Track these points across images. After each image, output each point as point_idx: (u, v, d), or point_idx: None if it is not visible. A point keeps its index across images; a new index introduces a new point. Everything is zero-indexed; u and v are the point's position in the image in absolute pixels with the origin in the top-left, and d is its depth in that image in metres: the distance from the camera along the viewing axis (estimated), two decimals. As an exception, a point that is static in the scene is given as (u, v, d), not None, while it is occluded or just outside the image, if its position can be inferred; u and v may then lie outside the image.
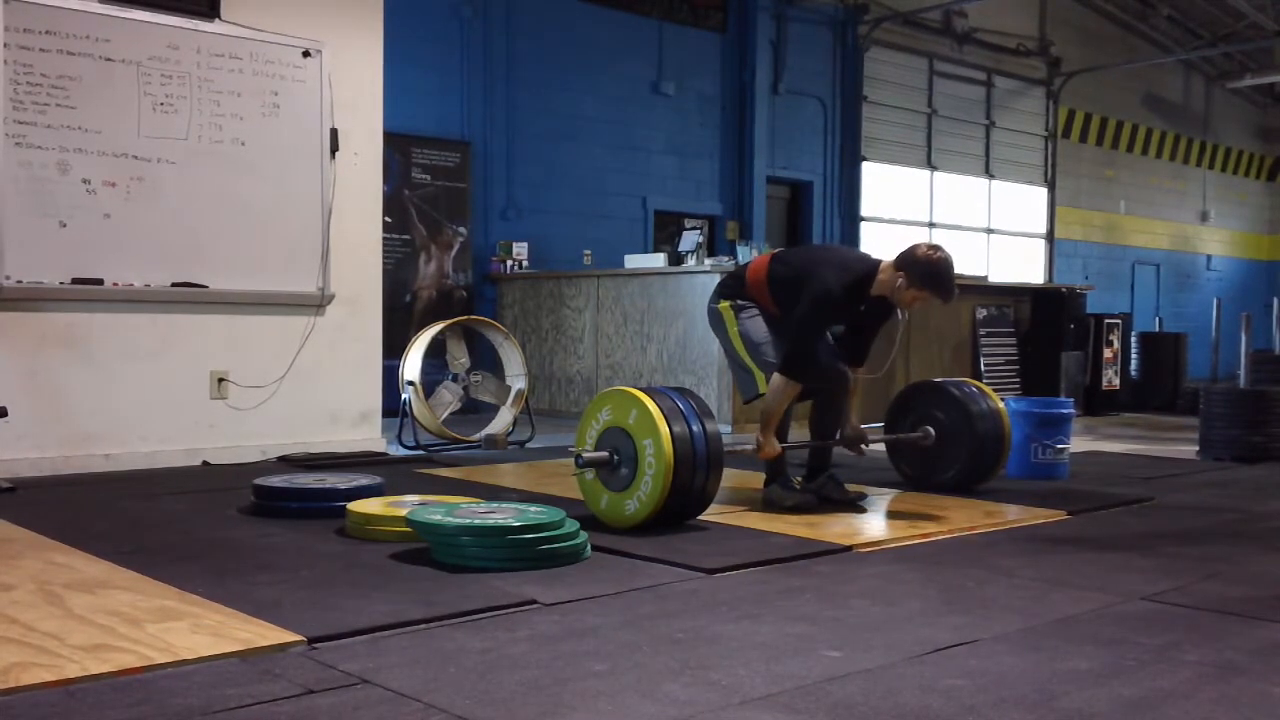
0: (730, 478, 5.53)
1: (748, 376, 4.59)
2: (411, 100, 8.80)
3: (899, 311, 4.54)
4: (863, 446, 4.73)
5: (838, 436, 4.76)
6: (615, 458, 4.02)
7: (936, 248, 4.40)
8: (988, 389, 5.11)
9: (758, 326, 4.59)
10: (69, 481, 5.11)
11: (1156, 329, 12.57)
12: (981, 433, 4.91)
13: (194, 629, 2.70)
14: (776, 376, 4.42)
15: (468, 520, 3.47)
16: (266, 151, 5.89)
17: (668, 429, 3.90)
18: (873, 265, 4.48)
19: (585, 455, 4.05)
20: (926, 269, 4.31)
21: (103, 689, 2.30)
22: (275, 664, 2.48)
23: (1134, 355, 10.53)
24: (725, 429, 7.61)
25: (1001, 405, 5.03)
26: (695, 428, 3.97)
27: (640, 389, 4.10)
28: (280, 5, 5.97)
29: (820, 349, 4.57)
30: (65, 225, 5.32)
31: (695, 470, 3.94)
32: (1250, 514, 4.75)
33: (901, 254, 4.39)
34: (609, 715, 2.20)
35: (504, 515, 3.56)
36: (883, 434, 5.19)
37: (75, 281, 5.36)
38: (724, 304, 4.68)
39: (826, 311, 4.42)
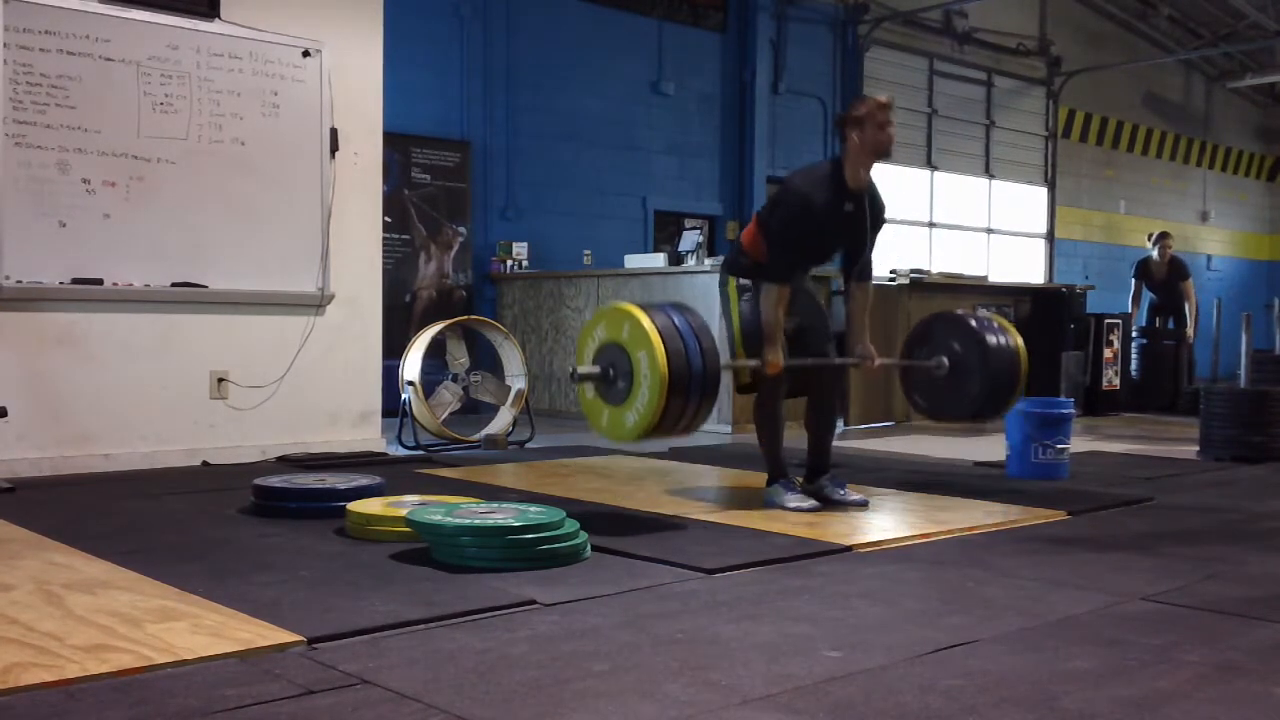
0: (730, 477, 5.53)
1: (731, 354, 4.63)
2: (411, 100, 8.80)
3: (878, 210, 4.62)
4: (873, 364, 4.71)
5: (850, 355, 4.73)
6: (610, 372, 4.02)
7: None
8: (1008, 324, 5.05)
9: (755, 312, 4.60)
10: (69, 481, 5.11)
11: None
12: (996, 367, 4.85)
13: (194, 629, 2.70)
14: (765, 286, 4.44)
15: (468, 520, 3.47)
16: (266, 151, 5.89)
17: (660, 339, 3.90)
18: (837, 158, 4.54)
19: (580, 370, 4.06)
20: (854, 108, 4.48)
21: (102, 689, 2.30)
22: (275, 664, 2.48)
23: (1134, 355, 10.54)
24: (725, 429, 7.62)
25: (1019, 341, 4.96)
26: (687, 333, 3.97)
27: (634, 304, 4.11)
28: (280, 5, 5.97)
29: (803, 306, 4.56)
30: (65, 225, 5.32)
31: (691, 375, 3.93)
32: (1250, 514, 4.75)
33: (841, 131, 4.51)
34: (609, 715, 2.19)
35: (504, 515, 3.56)
36: (897, 360, 5.16)
37: (75, 281, 5.36)
38: (731, 283, 4.69)
39: (803, 215, 4.43)
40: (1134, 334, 10.61)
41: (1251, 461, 6.33)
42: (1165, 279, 10.74)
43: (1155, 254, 10.77)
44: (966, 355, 4.90)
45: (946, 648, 2.67)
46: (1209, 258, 18.23)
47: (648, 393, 3.89)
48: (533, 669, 2.47)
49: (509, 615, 2.90)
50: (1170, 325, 10.78)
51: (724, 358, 4.29)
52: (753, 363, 4.50)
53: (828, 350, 4.70)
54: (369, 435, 6.32)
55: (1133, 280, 10.98)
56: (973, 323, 4.98)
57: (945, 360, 4.95)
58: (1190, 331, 10.60)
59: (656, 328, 3.94)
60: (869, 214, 4.57)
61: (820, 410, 4.78)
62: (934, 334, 5.10)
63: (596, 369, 4.05)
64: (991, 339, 4.88)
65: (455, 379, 6.87)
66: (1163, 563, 3.70)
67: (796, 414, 4.85)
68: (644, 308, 4.05)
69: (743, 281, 4.63)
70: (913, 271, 8.64)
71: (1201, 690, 2.39)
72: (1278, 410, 6.49)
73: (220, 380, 5.81)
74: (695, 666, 2.50)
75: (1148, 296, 10.97)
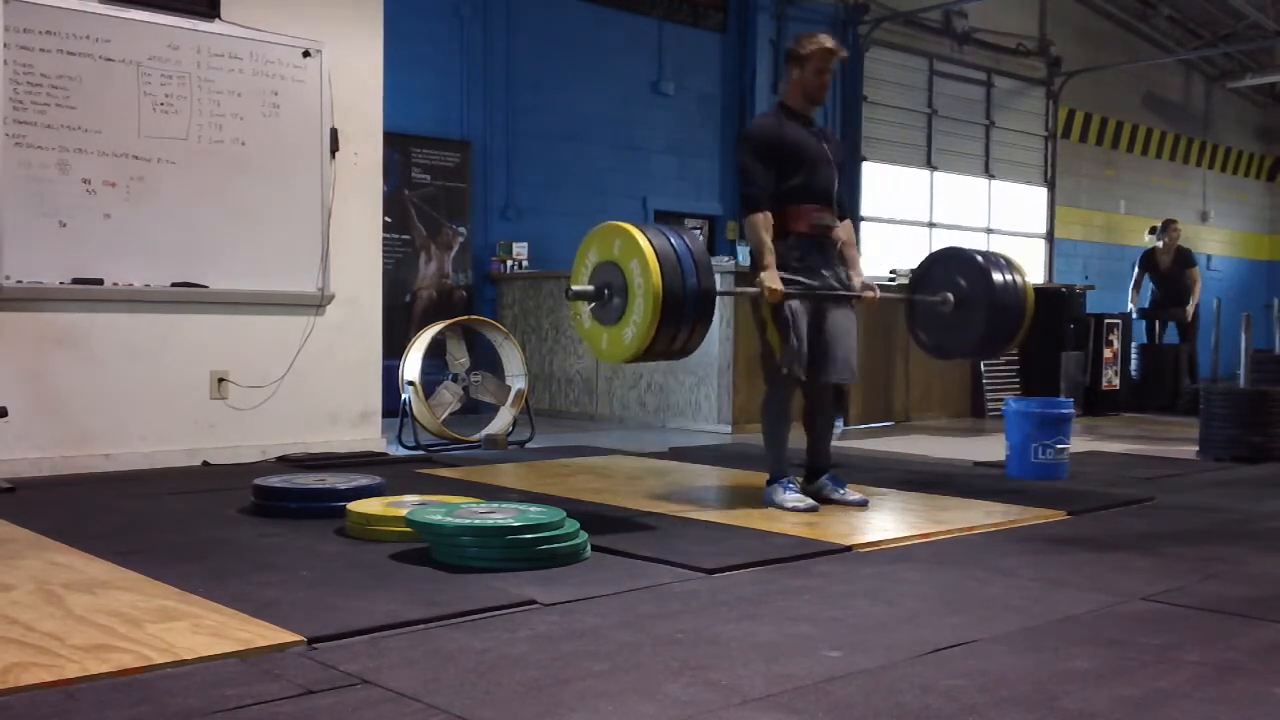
0: (730, 477, 5.53)
1: (768, 351, 4.60)
2: (411, 100, 8.79)
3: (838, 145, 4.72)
4: (874, 296, 4.69)
5: (849, 288, 4.69)
6: (606, 291, 4.03)
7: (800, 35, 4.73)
8: (1015, 261, 5.00)
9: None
10: (69, 481, 5.11)
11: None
12: (1001, 303, 4.80)
13: (194, 629, 2.70)
14: (747, 219, 4.50)
15: (468, 520, 3.47)
16: (266, 151, 5.89)
17: (651, 247, 3.91)
18: (780, 100, 4.73)
19: (574, 288, 4.06)
20: (797, 44, 4.65)
21: (102, 689, 2.30)
22: (275, 664, 2.48)
23: (1134, 356, 10.54)
24: (725, 429, 7.62)
25: (1026, 280, 4.91)
26: (680, 246, 3.99)
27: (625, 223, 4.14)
28: (280, 5, 5.97)
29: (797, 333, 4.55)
30: (65, 225, 5.32)
31: (684, 281, 3.92)
32: (1250, 514, 4.75)
33: (786, 63, 4.69)
34: (609, 715, 2.19)
35: (504, 515, 3.57)
36: (903, 296, 5.13)
37: (75, 281, 5.36)
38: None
39: (760, 145, 4.51)
40: (1133, 315, 10.51)
41: (1251, 461, 6.34)
42: (1171, 268, 10.56)
43: (1162, 242, 10.56)
44: (972, 291, 4.85)
45: (946, 648, 2.67)
46: (1209, 258, 18.22)
47: (643, 302, 3.88)
48: (533, 669, 2.47)
49: (509, 615, 2.91)
50: (1171, 323, 10.69)
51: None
52: (752, 290, 4.50)
53: (844, 317, 4.67)
54: (369, 435, 6.32)
55: (1135, 269, 10.85)
56: (979, 258, 4.93)
57: (950, 296, 4.90)
58: (1189, 309, 10.43)
59: (647, 238, 3.95)
60: (830, 146, 4.66)
61: (818, 410, 4.78)
62: (940, 269, 5.04)
63: (591, 287, 4.06)
64: (997, 275, 4.83)
65: (455, 379, 6.87)
66: (1163, 563, 3.70)
67: (795, 413, 4.85)
68: (637, 224, 4.06)
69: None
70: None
71: (1201, 690, 2.39)
72: (1278, 410, 6.49)
73: (220, 380, 5.81)
74: (695, 666, 2.50)
75: (1149, 290, 10.85)
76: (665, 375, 8.06)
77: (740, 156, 4.58)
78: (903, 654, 2.61)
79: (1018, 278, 4.87)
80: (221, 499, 4.64)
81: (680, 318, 3.95)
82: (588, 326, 4.15)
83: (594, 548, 3.64)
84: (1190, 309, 10.49)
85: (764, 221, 4.47)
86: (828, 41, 4.60)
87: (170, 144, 5.60)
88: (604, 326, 4.07)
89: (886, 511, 4.63)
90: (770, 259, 4.44)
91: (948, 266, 5.00)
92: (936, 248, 5.89)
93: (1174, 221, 10.82)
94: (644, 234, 3.96)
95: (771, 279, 4.41)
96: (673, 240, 4.00)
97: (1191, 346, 10.55)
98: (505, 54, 9.84)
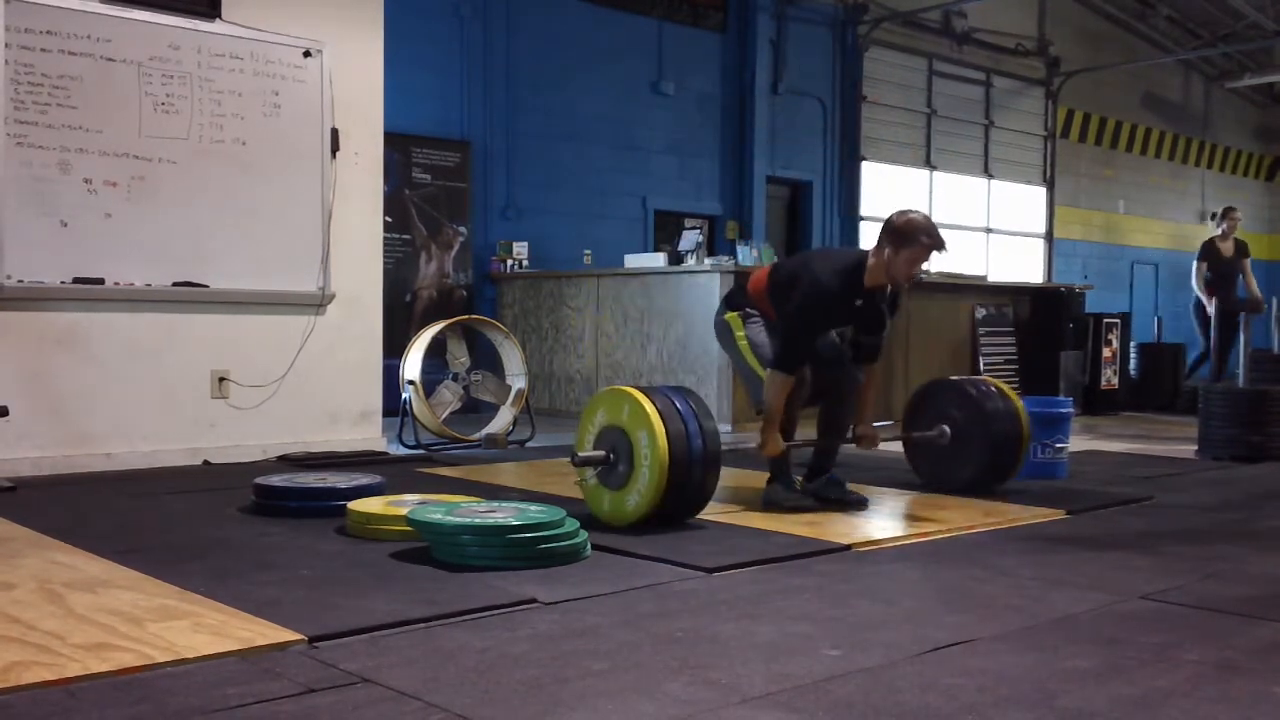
0: (730, 477, 5.53)
1: (757, 383, 4.58)
2: (411, 100, 8.80)
3: (895, 300, 4.59)
4: (875, 444, 4.72)
5: (849, 435, 4.75)
6: (611, 455, 4.03)
7: (905, 210, 4.43)
8: (1006, 388, 5.07)
9: (763, 334, 4.60)
10: (70, 481, 5.11)
11: (1156, 329, 12.57)
12: (998, 433, 4.88)
13: (194, 628, 2.70)
14: (770, 373, 4.43)
15: (468, 519, 3.48)
16: (267, 151, 5.90)
17: (661, 419, 3.92)
18: (863, 255, 4.49)
19: (581, 454, 4.07)
20: (904, 228, 4.33)
21: (103, 688, 2.30)
22: (275, 663, 2.48)
23: (1133, 355, 10.53)
24: (725, 428, 7.62)
25: (1020, 404, 4.99)
26: (687, 415, 4.00)
27: (633, 387, 4.12)
28: (281, 5, 5.97)
29: (821, 343, 4.57)
30: (66, 225, 5.33)
31: (691, 458, 3.95)
32: (1250, 513, 4.76)
33: (880, 233, 4.42)
34: (609, 715, 2.20)
35: (504, 514, 3.57)
36: (899, 432, 5.17)
37: (76, 281, 5.36)
38: (731, 315, 4.69)
39: (818, 304, 4.40)
40: (1211, 312, 9.70)
41: (1250, 461, 6.34)
42: (1234, 256, 10.03)
43: (1221, 229, 10.09)
44: (968, 423, 4.92)
45: (946, 646, 2.67)
46: (1208, 258, 18.19)
47: (648, 474, 3.90)
48: (533, 668, 2.47)
49: (509, 614, 2.91)
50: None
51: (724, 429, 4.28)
52: (752, 445, 4.54)
53: (844, 360, 4.70)
54: (369, 434, 6.32)
55: (1195, 263, 10.19)
56: (972, 390, 5.00)
57: (947, 429, 4.96)
58: (1262, 304, 9.71)
59: (656, 408, 3.96)
60: (882, 309, 4.56)
61: (836, 413, 4.76)
62: (932, 402, 5.12)
63: (600, 453, 4.07)
64: (991, 405, 4.90)
65: (455, 378, 6.87)
66: (1162, 562, 3.71)
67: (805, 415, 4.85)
68: (644, 390, 4.08)
69: (747, 310, 4.66)
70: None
71: (1200, 689, 2.40)
72: (1276, 410, 6.50)
73: (221, 379, 5.82)
74: (695, 665, 2.50)
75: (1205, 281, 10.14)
76: (665, 375, 8.06)
77: (805, 297, 4.38)
78: (902, 653, 2.62)
79: (1012, 405, 4.91)
80: (222, 498, 4.65)
81: (686, 485, 3.98)
82: (591, 486, 4.15)
83: (594, 547, 3.64)
84: (1259, 295, 9.91)
85: (785, 385, 4.42)
86: (934, 238, 4.33)
87: (171, 144, 5.61)
88: (607, 490, 4.08)
89: (886, 511, 4.63)
90: (779, 418, 4.46)
91: (941, 399, 5.06)
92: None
93: (1233, 209, 10.29)
94: (651, 402, 3.98)
95: (773, 440, 4.46)
96: (678, 406, 4.02)
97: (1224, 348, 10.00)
98: (505, 54, 9.85)
